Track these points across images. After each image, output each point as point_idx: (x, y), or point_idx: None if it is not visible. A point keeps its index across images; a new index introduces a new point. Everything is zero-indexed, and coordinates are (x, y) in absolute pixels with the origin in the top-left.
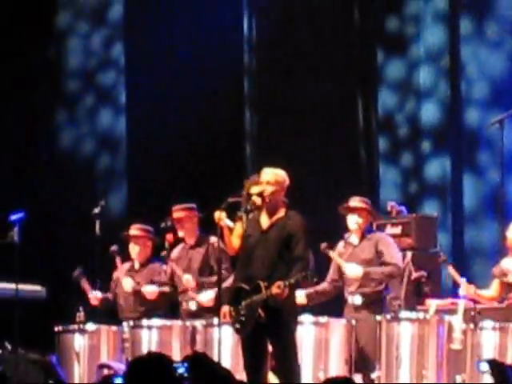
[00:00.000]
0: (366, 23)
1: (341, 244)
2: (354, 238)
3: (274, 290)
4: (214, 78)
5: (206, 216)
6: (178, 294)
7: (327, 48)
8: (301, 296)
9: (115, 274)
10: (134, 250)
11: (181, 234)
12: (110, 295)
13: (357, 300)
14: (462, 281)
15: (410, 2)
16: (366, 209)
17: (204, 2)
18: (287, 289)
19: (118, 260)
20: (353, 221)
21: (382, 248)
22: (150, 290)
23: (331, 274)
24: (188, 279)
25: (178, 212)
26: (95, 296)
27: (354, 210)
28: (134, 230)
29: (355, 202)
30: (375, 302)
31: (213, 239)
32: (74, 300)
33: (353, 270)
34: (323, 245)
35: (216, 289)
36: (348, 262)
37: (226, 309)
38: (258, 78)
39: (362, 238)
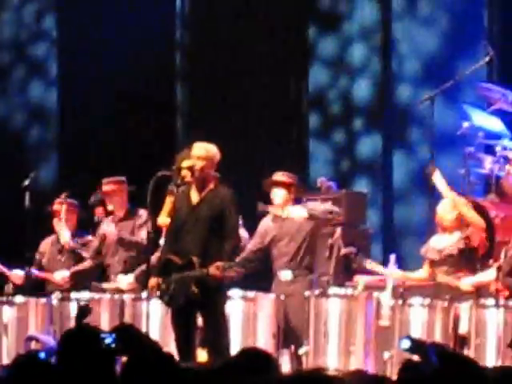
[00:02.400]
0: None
1: (268, 217)
2: (283, 213)
3: (213, 270)
4: (145, 51)
5: (136, 190)
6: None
7: (260, 24)
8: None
9: (41, 247)
10: (57, 225)
11: (110, 207)
12: (33, 269)
13: (286, 275)
14: (388, 269)
15: None
16: (291, 183)
17: None
18: (224, 272)
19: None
20: (278, 195)
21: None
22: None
23: (253, 247)
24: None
25: (107, 185)
26: (17, 275)
27: (278, 183)
28: (57, 204)
29: (279, 176)
30: (304, 278)
31: (141, 212)
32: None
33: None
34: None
35: (136, 272)
36: (278, 235)
37: (153, 281)
38: (190, 52)
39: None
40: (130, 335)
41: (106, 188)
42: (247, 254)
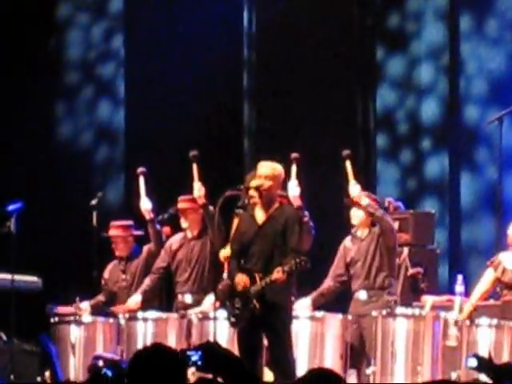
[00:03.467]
0: (367, 19)
1: (348, 239)
2: (360, 233)
3: (274, 275)
4: (213, 70)
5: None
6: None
7: (328, 44)
8: (306, 304)
9: (105, 274)
10: (116, 248)
11: (184, 225)
12: (101, 297)
13: (362, 295)
14: (458, 299)
15: None
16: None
17: None
18: (284, 274)
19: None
20: (357, 214)
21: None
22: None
23: (335, 269)
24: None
25: (183, 203)
26: (84, 308)
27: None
28: (113, 229)
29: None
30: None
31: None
32: (70, 291)
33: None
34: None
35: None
36: (355, 256)
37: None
38: (257, 71)
39: (370, 231)
40: (215, 353)
41: (181, 205)
42: (329, 281)
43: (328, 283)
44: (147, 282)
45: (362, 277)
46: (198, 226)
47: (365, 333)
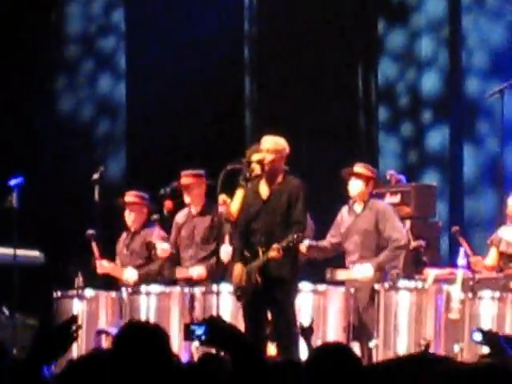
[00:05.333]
0: None
1: (345, 208)
2: (357, 206)
3: (271, 253)
4: (214, 44)
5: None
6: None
7: (329, 16)
8: (304, 245)
9: (118, 248)
10: (129, 217)
11: (187, 199)
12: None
13: (356, 270)
14: (460, 272)
15: None
16: (370, 176)
17: None
18: (280, 251)
19: (93, 245)
20: (355, 186)
21: (384, 223)
22: (165, 247)
23: (332, 237)
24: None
25: (186, 178)
26: (101, 265)
27: (359, 175)
28: (129, 196)
29: (361, 168)
30: (377, 268)
31: (220, 209)
32: (72, 265)
33: (364, 272)
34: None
35: (207, 263)
36: (349, 230)
37: (239, 268)
38: (259, 45)
39: (365, 206)
40: (219, 327)
41: (184, 181)
42: (325, 243)
43: (325, 243)
44: (155, 265)
45: (357, 254)
46: (201, 202)
47: (362, 306)
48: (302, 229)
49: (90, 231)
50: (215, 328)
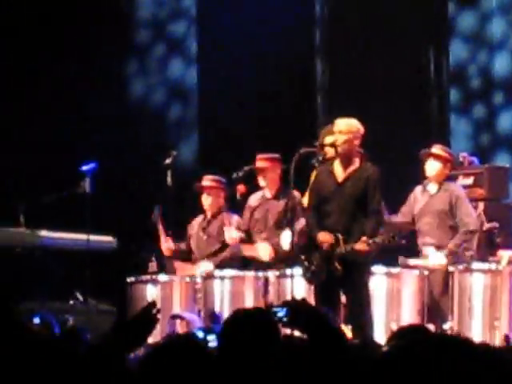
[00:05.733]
0: None
1: (419, 188)
2: (431, 187)
3: (359, 245)
4: (286, 29)
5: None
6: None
7: (400, 1)
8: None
9: (189, 230)
10: (206, 200)
11: (262, 183)
12: (183, 245)
13: (429, 252)
14: None
15: None
16: (448, 158)
17: None
18: (371, 246)
19: (159, 227)
20: (433, 167)
21: (458, 206)
22: (233, 235)
23: (404, 216)
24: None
25: (262, 161)
26: (168, 246)
27: (437, 157)
28: (207, 180)
29: (439, 149)
30: (449, 253)
31: (295, 194)
32: (146, 250)
33: (437, 260)
34: None
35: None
36: (423, 211)
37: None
38: (330, 28)
39: (440, 187)
40: (301, 309)
41: (260, 164)
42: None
43: (396, 219)
44: (226, 253)
45: (431, 234)
46: (275, 186)
47: (436, 288)
48: (380, 220)
49: (156, 213)
50: (297, 310)
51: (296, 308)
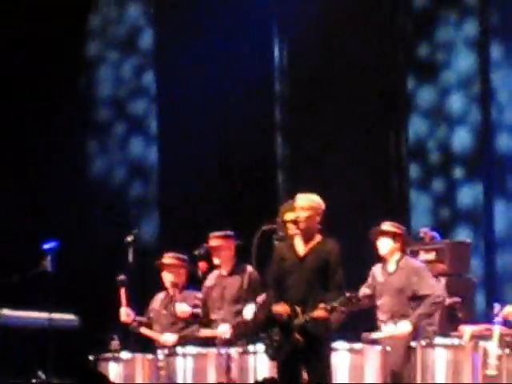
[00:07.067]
0: (398, 50)
1: (378, 266)
2: (389, 265)
3: (317, 312)
4: (244, 105)
5: (242, 244)
6: (209, 322)
7: (357, 74)
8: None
9: (151, 306)
10: (167, 278)
11: (216, 261)
12: (144, 319)
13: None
14: (496, 328)
15: (441, 28)
16: (398, 233)
17: (234, 28)
18: (329, 312)
19: (122, 291)
20: (384, 245)
21: (418, 281)
22: (183, 309)
23: (366, 290)
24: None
25: (215, 240)
26: (128, 312)
27: (386, 233)
28: (167, 258)
29: (387, 225)
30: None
31: (249, 269)
32: (108, 328)
33: (402, 329)
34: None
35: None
36: (382, 290)
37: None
38: (289, 105)
39: (398, 264)
40: None
41: (213, 242)
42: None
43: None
44: (194, 329)
45: (389, 313)
46: (230, 262)
47: (397, 363)
48: (343, 294)
49: (122, 277)
50: None
51: None
